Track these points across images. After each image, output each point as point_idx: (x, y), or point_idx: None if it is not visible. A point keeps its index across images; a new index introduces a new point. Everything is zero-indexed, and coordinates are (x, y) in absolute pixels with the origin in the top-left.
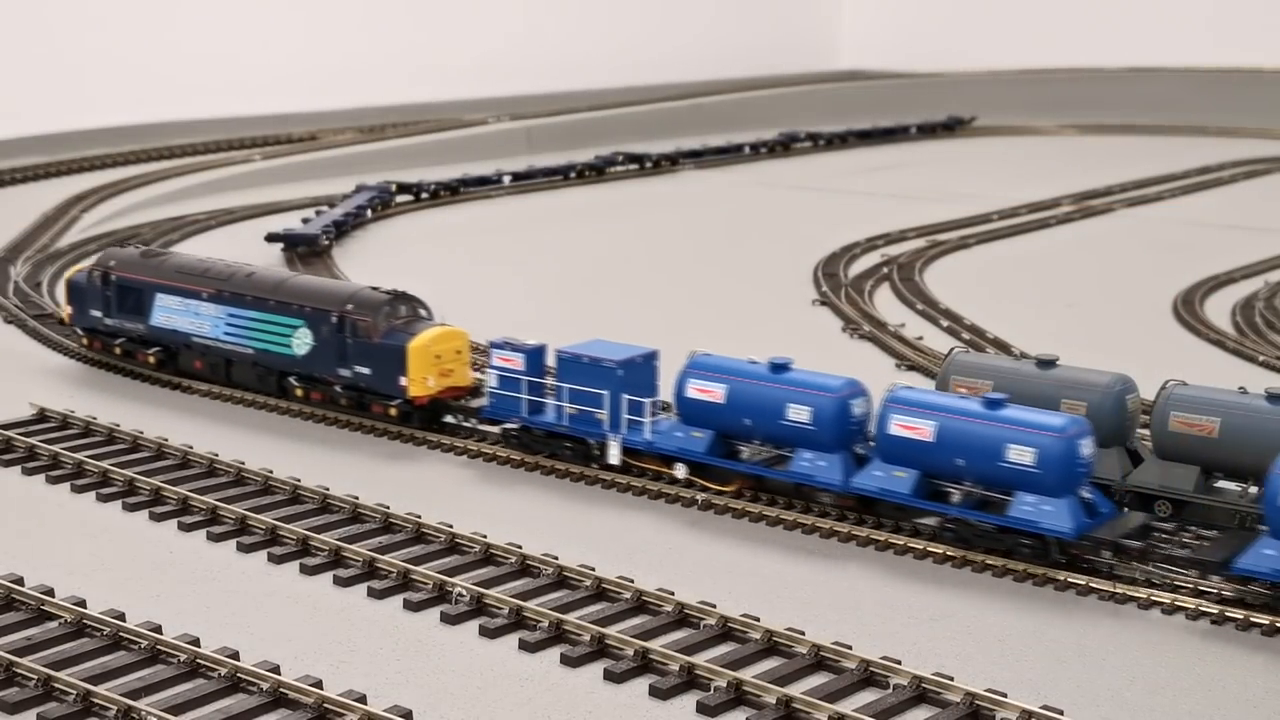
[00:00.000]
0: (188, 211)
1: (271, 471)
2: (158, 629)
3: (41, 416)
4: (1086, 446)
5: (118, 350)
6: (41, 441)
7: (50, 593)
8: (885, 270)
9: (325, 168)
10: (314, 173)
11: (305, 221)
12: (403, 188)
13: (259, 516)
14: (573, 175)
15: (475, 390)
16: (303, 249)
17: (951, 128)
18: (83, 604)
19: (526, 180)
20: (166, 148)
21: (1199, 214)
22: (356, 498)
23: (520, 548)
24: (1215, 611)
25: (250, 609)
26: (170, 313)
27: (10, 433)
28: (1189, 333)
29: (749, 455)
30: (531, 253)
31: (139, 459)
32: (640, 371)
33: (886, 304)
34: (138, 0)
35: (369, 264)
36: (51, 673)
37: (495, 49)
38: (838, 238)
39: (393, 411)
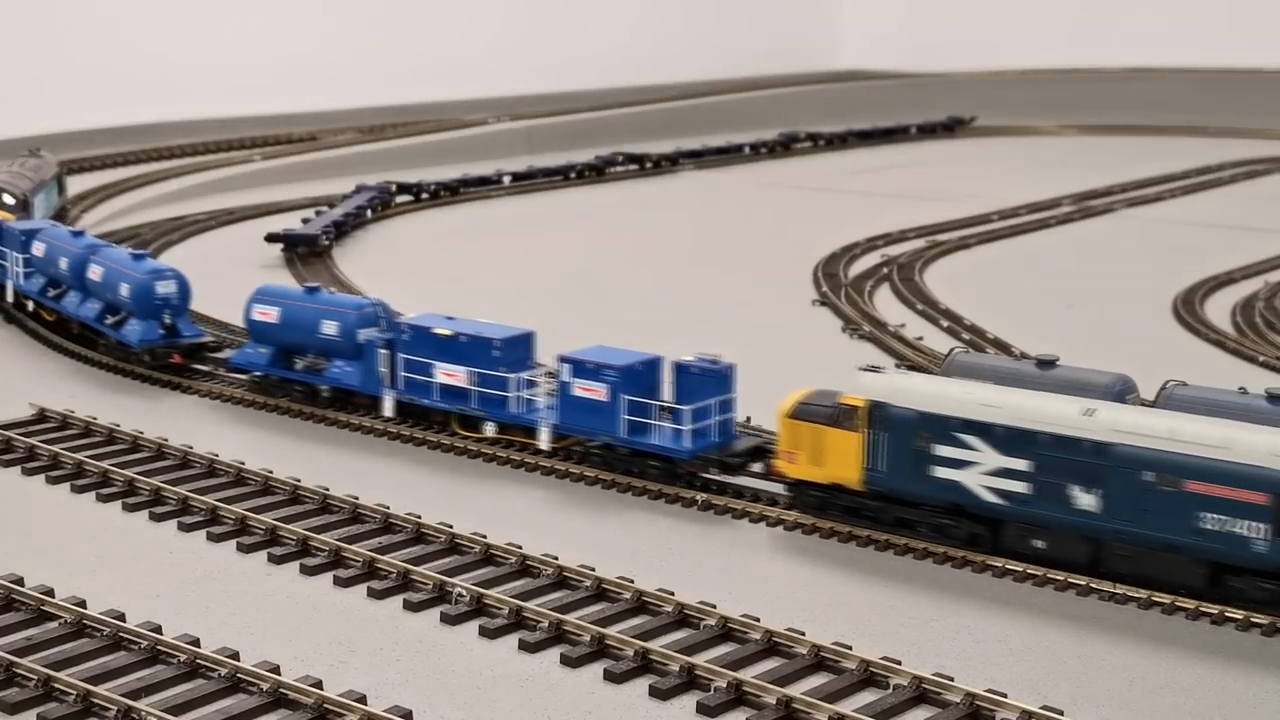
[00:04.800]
0: (188, 211)
1: (271, 471)
2: (158, 629)
3: (41, 416)
4: (163, 287)
5: None
6: (41, 441)
7: (50, 593)
8: (885, 270)
9: (325, 168)
10: (314, 173)
11: (305, 222)
12: (403, 188)
13: (259, 517)
14: (573, 175)
15: None
16: (303, 249)
17: (951, 128)
18: (83, 604)
19: (526, 180)
20: (166, 148)
21: (1199, 214)
22: (356, 498)
23: (520, 548)
24: (1215, 612)
25: (250, 609)
26: None
27: (10, 433)
28: (1189, 333)
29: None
30: (532, 253)
31: (139, 459)
32: None
33: (886, 304)
34: (139, 1)
35: (369, 264)
36: (51, 673)
37: (495, 49)
38: (838, 238)
39: None
